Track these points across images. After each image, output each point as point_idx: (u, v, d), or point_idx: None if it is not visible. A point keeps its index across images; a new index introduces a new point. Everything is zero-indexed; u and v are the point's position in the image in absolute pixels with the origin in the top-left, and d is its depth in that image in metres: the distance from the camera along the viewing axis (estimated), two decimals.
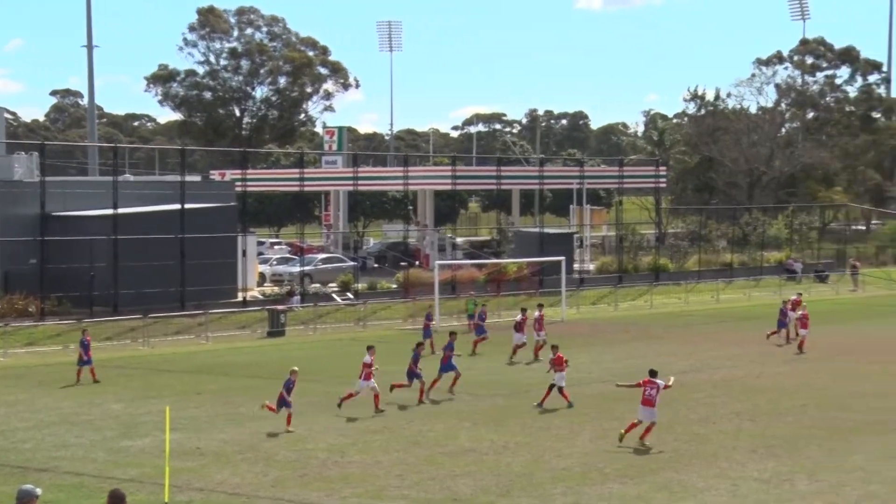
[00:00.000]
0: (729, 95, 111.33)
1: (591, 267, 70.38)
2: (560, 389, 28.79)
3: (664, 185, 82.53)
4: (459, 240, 76.78)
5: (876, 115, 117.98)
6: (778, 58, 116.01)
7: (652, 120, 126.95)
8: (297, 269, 59.57)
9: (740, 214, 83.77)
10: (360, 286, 57.06)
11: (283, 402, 26.13)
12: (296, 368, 26.93)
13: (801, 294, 47.07)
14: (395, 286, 57.86)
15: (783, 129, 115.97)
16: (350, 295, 55.68)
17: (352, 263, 63.05)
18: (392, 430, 25.97)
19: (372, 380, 27.87)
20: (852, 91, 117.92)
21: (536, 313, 39.71)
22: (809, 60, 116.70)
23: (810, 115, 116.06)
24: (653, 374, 24.71)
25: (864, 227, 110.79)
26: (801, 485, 20.65)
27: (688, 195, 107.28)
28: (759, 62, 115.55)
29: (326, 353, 41.09)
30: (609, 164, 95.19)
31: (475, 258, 65.60)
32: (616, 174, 74.95)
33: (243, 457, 23.28)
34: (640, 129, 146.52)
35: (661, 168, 79.68)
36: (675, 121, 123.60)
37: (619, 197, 77.19)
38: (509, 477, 21.54)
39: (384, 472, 22.00)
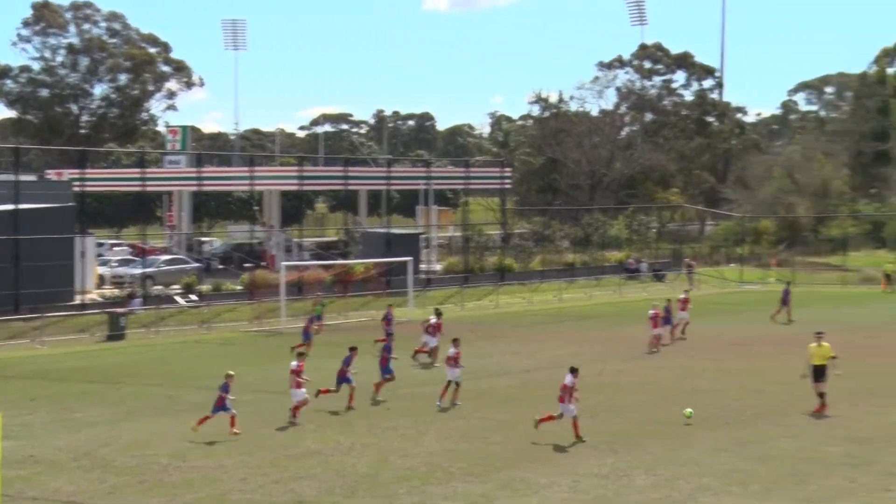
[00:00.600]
0: (572, 98, 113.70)
1: (438, 267, 70.82)
2: (457, 385, 29.11)
3: (509, 186, 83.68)
4: (306, 241, 76.24)
5: (710, 118, 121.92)
6: (618, 62, 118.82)
7: (497, 122, 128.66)
8: (138, 270, 58.23)
9: (582, 215, 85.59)
10: (205, 288, 56.12)
11: (221, 407, 25.48)
12: (231, 372, 26.14)
13: (688, 291, 47.96)
14: (240, 288, 57.11)
15: (623, 132, 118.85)
16: (194, 297, 54.71)
17: (196, 265, 61.98)
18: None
19: (303, 389, 26.98)
20: (688, 95, 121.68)
21: (433, 318, 38.59)
22: (648, 65, 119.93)
23: (648, 118, 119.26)
24: (572, 370, 25.00)
25: (698, 228, 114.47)
26: (638, 479, 21.17)
27: (532, 196, 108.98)
28: (601, 66, 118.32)
29: (168, 357, 40.25)
30: (455, 164, 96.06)
31: (322, 259, 65.25)
32: (462, 175, 75.69)
33: (79, 464, 22.62)
34: (486, 131, 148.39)
35: (507, 169, 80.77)
36: (519, 123, 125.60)
37: (466, 198, 77.98)
38: (354, 478, 21.48)
39: (227, 476, 21.67)
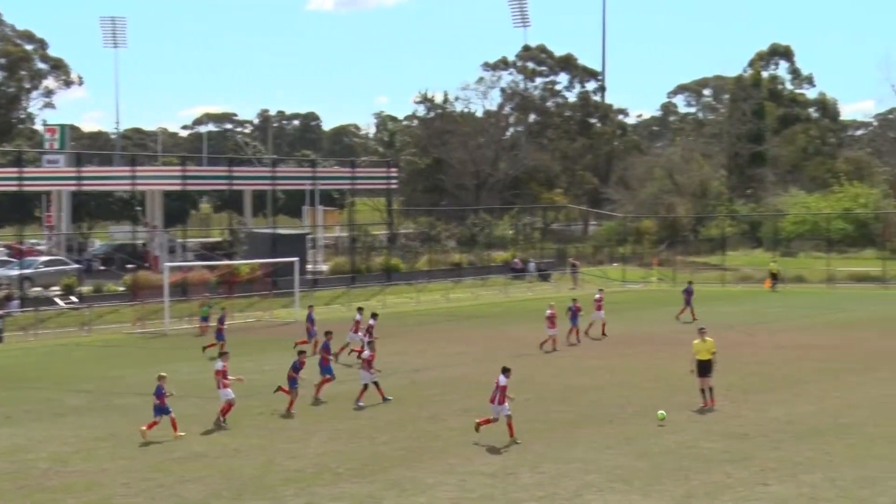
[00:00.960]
0: (457, 99, 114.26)
1: (325, 268, 70.54)
2: (376, 385, 29.32)
3: (395, 186, 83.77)
4: (190, 241, 75.16)
5: (592, 120, 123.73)
6: (503, 63, 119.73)
7: (383, 122, 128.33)
8: (15, 272, 56.68)
9: (468, 215, 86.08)
10: (85, 289, 54.90)
11: (160, 410, 25.03)
12: (164, 374, 25.78)
13: (602, 290, 48.26)
14: (122, 289, 56.05)
15: (508, 133, 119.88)
16: (74, 298, 53.49)
17: (76, 266, 60.64)
18: (119, 437, 25.14)
19: (230, 389, 26.58)
20: (571, 97, 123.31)
21: (358, 316, 38.51)
22: (532, 66, 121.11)
23: (533, 119, 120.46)
24: (504, 370, 24.82)
25: (582, 228, 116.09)
26: (524, 477, 21.38)
27: (418, 196, 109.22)
28: (486, 66, 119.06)
29: (48, 360, 39.30)
30: (341, 165, 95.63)
31: (207, 260, 64.41)
32: (348, 175, 75.49)
33: None
34: (372, 131, 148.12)
35: (392, 169, 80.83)
36: (405, 123, 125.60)
37: (352, 198, 77.73)
38: (241, 480, 21.26)
39: (110, 480, 21.26)
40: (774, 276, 68.21)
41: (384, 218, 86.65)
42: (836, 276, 70.79)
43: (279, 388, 28.53)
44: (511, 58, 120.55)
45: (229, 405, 26.54)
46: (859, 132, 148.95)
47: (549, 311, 40.50)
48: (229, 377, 26.76)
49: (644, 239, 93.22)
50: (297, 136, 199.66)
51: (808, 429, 25.25)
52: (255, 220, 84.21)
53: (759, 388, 30.93)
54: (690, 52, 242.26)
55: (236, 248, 67.67)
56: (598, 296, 45.41)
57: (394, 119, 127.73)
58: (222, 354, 27.95)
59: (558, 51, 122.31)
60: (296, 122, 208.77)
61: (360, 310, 39.83)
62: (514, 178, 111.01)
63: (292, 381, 28.41)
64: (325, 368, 30.78)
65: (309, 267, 66.76)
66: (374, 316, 39.43)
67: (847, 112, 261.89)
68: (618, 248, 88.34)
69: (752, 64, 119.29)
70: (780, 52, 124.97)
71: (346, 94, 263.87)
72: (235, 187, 70.75)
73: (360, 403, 28.96)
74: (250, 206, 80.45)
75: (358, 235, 74.12)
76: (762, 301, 60.57)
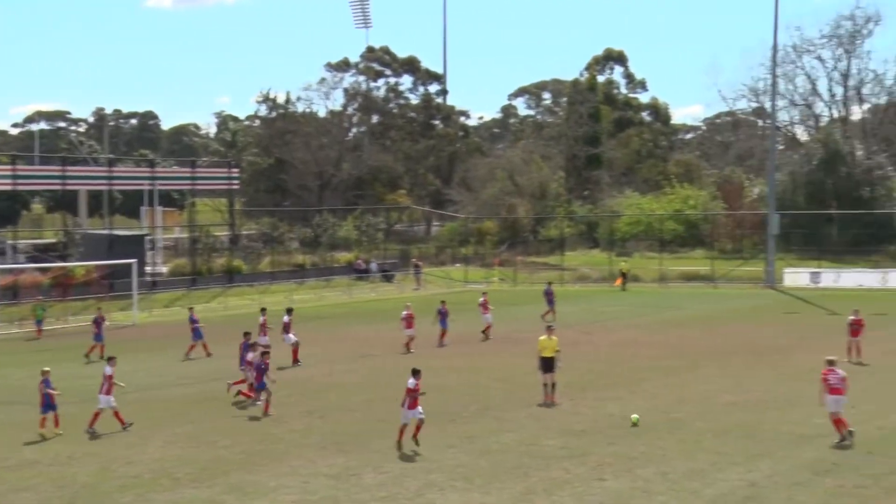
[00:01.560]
0: (299, 99, 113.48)
1: (164, 269, 69.12)
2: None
3: (237, 186, 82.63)
4: (22, 243, 72.55)
5: (435, 122, 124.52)
6: (345, 64, 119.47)
7: (224, 122, 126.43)
8: None
9: (311, 216, 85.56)
10: None
11: (47, 406, 25.04)
12: (47, 368, 26.04)
13: (485, 294, 48.17)
14: None
15: (350, 133, 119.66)
16: None
17: None
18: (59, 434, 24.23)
19: (112, 395, 25.96)
20: (414, 98, 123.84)
21: (261, 318, 37.76)
22: (375, 68, 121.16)
23: (376, 120, 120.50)
24: (414, 372, 24.22)
25: (425, 229, 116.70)
26: (367, 478, 21.39)
27: (261, 197, 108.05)
28: (329, 67, 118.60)
29: None
30: (181, 165, 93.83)
31: (39, 262, 62.33)
32: (188, 175, 74.12)
33: None
34: (213, 131, 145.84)
35: (234, 170, 79.73)
36: (247, 123, 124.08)
37: (192, 198, 76.35)
38: (74, 488, 20.68)
39: None
40: (625, 276, 69.72)
41: (226, 219, 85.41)
42: (669, 275, 72.96)
43: (241, 392, 28.71)
44: (354, 59, 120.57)
45: (100, 413, 26.03)
46: (689, 136, 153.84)
47: (405, 312, 40.48)
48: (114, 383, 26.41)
49: (486, 239, 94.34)
50: (134, 136, 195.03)
51: (642, 424, 25.93)
52: (91, 220, 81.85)
53: (597, 386, 31.64)
54: (530, 55, 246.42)
55: (71, 250, 65.66)
56: (482, 299, 45.27)
57: (235, 119, 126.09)
58: (110, 359, 27.32)
59: (401, 53, 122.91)
60: (133, 121, 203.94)
61: (263, 311, 38.90)
62: (357, 178, 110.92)
63: (261, 383, 28.20)
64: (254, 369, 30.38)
65: (148, 269, 65.36)
66: (288, 311, 38.42)
67: (678, 116, 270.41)
68: (460, 248, 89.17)
69: (588, 68, 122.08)
70: (615, 57, 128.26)
71: (185, 93, 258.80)
72: (69, 187, 68.66)
73: (257, 401, 28.77)
74: (86, 207, 78.18)
75: (198, 236, 72.87)
76: (599, 300, 61.99)
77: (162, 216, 74.91)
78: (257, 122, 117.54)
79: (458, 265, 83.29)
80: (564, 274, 75.07)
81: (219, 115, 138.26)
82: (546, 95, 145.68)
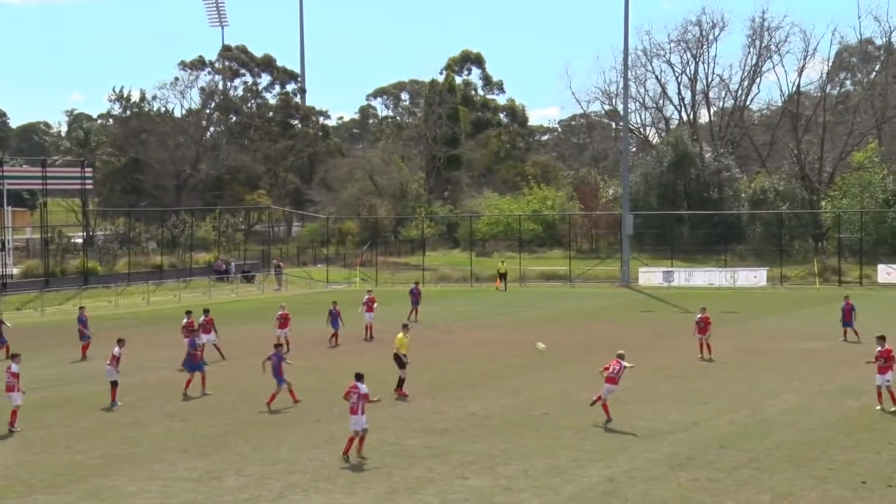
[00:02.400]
0: (155, 98, 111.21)
1: (16, 271, 66.96)
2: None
3: (91, 186, 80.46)
4: None
5: (294, 122, 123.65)
6: (201, 62, 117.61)
7: (76, 119, 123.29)
8: None
9: (169, 216, 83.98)
10: None
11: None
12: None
13: (371, 291, 47.82)
14: None
15: (209, 133, 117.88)
16: None
17: None
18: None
19: (19, 393, 26.17)
20: (272, 98, 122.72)
21: (203, 317, 38.29)
22: (232, 66, 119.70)
23: (234, 119, 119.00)
24: (358, 377, 23.14)
25: (286, 229, 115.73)
26: (229, 481, 21.11)
27: (116, 197, 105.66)
28: (183, 66, 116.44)
29: None
30: (32, 164, 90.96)
31: None
32: (39, 175, 71.86)
33: None
34: (64, 129, 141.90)
35: (88, 169, 77.56)
36: (100, 121, 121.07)
37: (44, 198, 74.08)
38: None
39: None
40: (503, 276, 70.00)
41: (80, 219, 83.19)
42: (528, 274, 73.99)
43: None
44: (210, 57, 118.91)
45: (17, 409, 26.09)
46: (545, 137, 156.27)
47: (280, 312, 40.05)
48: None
49: (347, 240, 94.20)
50: None
51: (504, 422, 26.26)
52: None
53: (458, 385, 31.87)
54: (388, 56, 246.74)
55: None
56: (367, 297, 44.93)
57: (88, 117, 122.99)
58: (14, 356, 27.03)
59: (258, 52, 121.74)
60: None
61: (206, 311, 38.69)
62: (215, 178, 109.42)
63: (280, 377, 28.51)
64: (193, 366, 30.91)
65: None
66: (205, 311, 38.70)
67: (534, 118, 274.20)
68: (321, 248, 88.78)
69: (446, 69, 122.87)
70: (472, 59, 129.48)
71: (35, 91, 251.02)
72: None
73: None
74: None
75: (51, 237, 70.77)
76: (460, 300, 62.47)
77: (11, 216, 72.49)
78: (111, 121, 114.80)
79: (319, 266, 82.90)
80: (426, 274, 75.41)
81: (70, 113, 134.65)
82: (404, 96, 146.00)
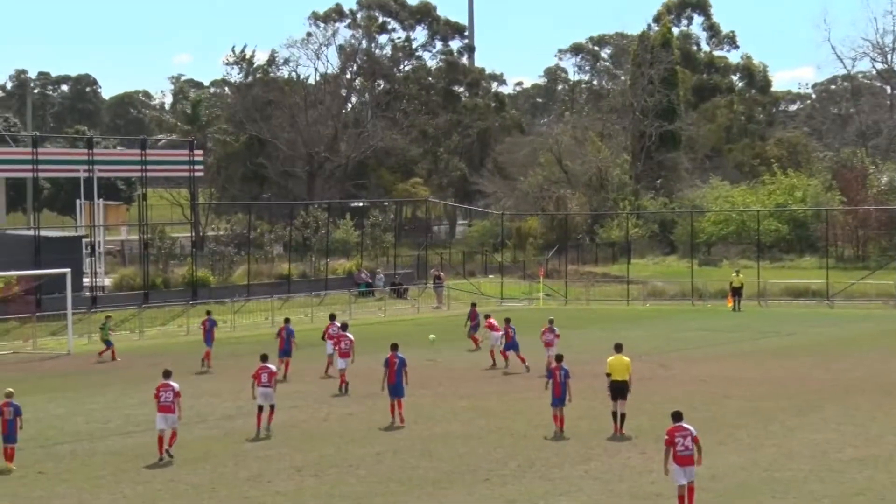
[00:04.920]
0: (285, 61, 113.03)
1: (108, 281, 69.37)
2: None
3: (201, 173, 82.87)
4: None
5: (459, 89, 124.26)
6: (338, 13, 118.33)
7: (183, 88, 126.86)
8: None
9: (298, 212, 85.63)
10: None
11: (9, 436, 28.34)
12: (10, 390, 28.84)
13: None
14: None
15: (349, 105, 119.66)
16: None
17: None
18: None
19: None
20: (430, 59, 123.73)
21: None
22: (378, 18, 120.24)
23: (381, 87, 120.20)
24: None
25: (447, 229, 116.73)
26: None
27: (233, 187, 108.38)
28: (316, 18, 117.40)
29: None
30: (128, 145, 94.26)
31: None
32: (138, 159, 74.33)
33: None
34: (168, 101, 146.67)
35: (197, 152, 79.91)
36: (213, 90, 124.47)
37: (143, 189, 76.60)
38: None
39: None
40: (737, 291, 68.68)
41: (187, 216, 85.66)
42: (769, 289, 72.67)
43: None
44: (350, 6, 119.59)
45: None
46: (794, 107, 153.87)
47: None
48: None
49: (527, 243, 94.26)
50: (66, 107, 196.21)
51: (737, 487, 25.88)
52: (11, 217, 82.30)
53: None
54: (584, 2, 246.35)
55: None
56: (547, 327, 44.93)
57: (198, 85, 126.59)
58: (167, 373, 30.55)
59: None
60: (65, 88, 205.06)
61: (344, 326, 42.50)
62: (358, 163, 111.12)
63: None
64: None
65: (86, 281, 65.56)
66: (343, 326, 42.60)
67: (779, 82, 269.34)
68: (494, 254, 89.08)
69: (659, 18, 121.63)
70: (694, 3, 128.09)
71: (132, 52, 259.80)
72: None
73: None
74: (3, 200, 78.57)
75: (152, 239, 73.09)
76: (677, 322, 61.82)
77: (103, 212, 75.12)
78: (227, 90, 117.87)
79: (491, 276, 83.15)
80: (631, 288, 74.87)
81: (176, 80, 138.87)
82: (605, 54, 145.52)
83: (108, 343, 49.27)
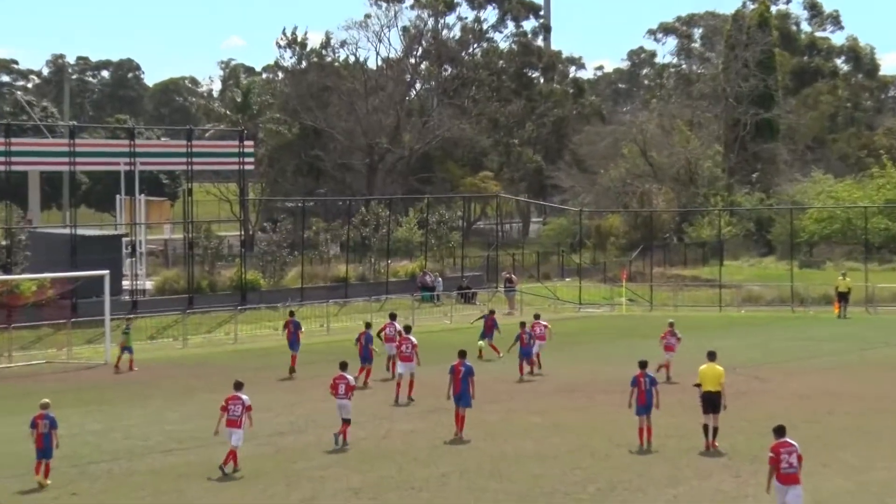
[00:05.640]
0: (342, 44, 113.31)
1: (149, 284, 69.73)
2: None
3: (252, 166, 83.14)
4: None
5: (534, 74, 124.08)
6: None
7: (233, 74, 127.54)
8: None
9: (357, 209, 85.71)
10: None
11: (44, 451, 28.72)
12: (46, 401, 29.62)
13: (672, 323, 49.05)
14: None
15: (413, 92, 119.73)
16: None
17: None
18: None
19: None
20: (502, 41, 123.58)
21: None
22: None
23: (448, 72, 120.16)
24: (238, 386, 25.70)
25: (520, 227, 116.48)
26: None
27: (286, 182, 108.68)
28: None
29: None
30: (173, 136, 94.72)
31: None
32: (183, 151, 74.67)
33: None
34: (217, 87, 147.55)
35: (248, 143, 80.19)
36: (265, 76, 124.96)
37: (189, 184, 76.97)
38: None
39: None
40: (844, 296, 68.08)
41: (236, 212, 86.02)
42: (878, 294, 71.97)
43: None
44: None
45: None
46: None
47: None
48: None
49: (609, 243, 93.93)
50: (107, 94, 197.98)
51: None
52: (45, 214, 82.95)
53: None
54: None
55: (17, 256, 66.52)
56: (667, 332, 46.25)
57: (249, 70, 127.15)
58: (239, 385, 31.31)
59: None
60: (105, 74, 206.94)
61: (408, 329, 43.57)
62: (422, 155, 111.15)
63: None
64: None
65: (126, 283, 65.90)
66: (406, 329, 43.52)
67: (889, 65, 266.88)
68: (572, 255, 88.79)
69: None
70: None
71: (178, 35, 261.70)
72: (14, 167, 69.47)
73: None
74: (38, 195, 79.32)
75: (197, 238, 73.40)
76: (776, 331, 61.40)
77: (145, 209, 75.56)
78: (280, 76, 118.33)
79: (568, 279, 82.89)
80: (724, 293, 74.39)
81: (226, 65, 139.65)
82: (696, 35, 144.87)
83: (128, 349, 49.25)
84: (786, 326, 63.87)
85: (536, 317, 48.87)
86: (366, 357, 43.90)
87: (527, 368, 45.95)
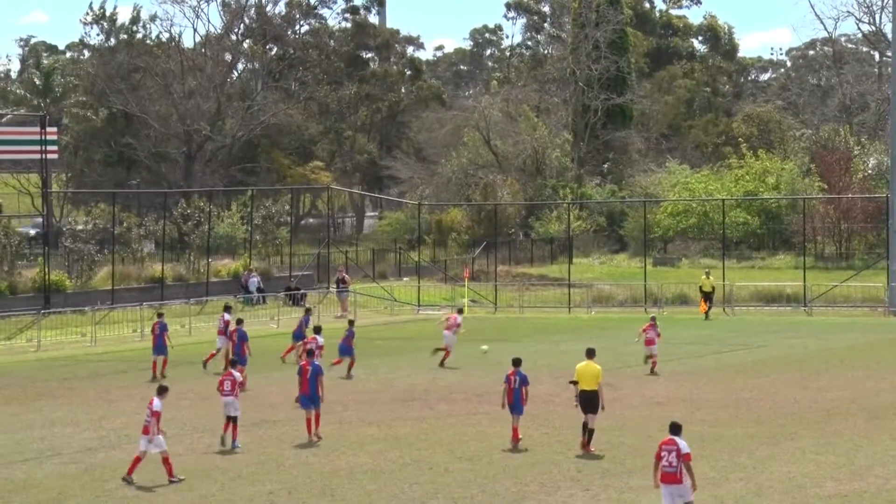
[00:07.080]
0: (154, 18, 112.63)
1: None
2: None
3: (55, 155, 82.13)
4: None
5: (367, 54, 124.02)
6: None
7: (34, 53, 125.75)
8: None
9: (174, 202, 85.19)
10: None
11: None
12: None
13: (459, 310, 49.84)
14: None
15: (235, 73, 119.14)
16: None
17: None
18: None
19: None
20: (332, 17, 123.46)
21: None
22: None
23: (273, 51, 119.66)
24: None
25: (354, 222, 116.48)
26: None
27: (94, 172, 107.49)
28: None
29: None
30: None
31: None
32: None
33: None
34: (16, 67, 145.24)
35: (51, 130, 79.19)
36: (69, 55, 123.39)
37: None
38: None
39: None
40: (708, 296, 69.16)
41: (38, 206, 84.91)
42: (737, 294, 73.19)
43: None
44: None
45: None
46: (766, 76, 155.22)
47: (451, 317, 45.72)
48: None
49: (450, 239, 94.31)
50: None
51: None
52: None
53: (625, 468, 31.73)
54: None
55: None
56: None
57: (53, 49, 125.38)
58: (162, 390, 32.31)
59: None
60: None
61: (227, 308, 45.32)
62: (246, 143, 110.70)
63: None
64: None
65: None
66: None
67: (748, 46, 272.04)
68: (409, 253, 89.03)
69: None
70: None
71: None
72: None
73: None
74: None
75: None
76: (627, 333, 62.05)
77: None
78: (86, 55, 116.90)
79: (406, 279, 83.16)
80: (573, 292, 75.15)
81: (25, 42, 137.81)
82: (546, 10, 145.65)
83: None
84: (638, 329, 64.68)
85: (653, 319, 51.05)
86: (241, 358, 43.63)
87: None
